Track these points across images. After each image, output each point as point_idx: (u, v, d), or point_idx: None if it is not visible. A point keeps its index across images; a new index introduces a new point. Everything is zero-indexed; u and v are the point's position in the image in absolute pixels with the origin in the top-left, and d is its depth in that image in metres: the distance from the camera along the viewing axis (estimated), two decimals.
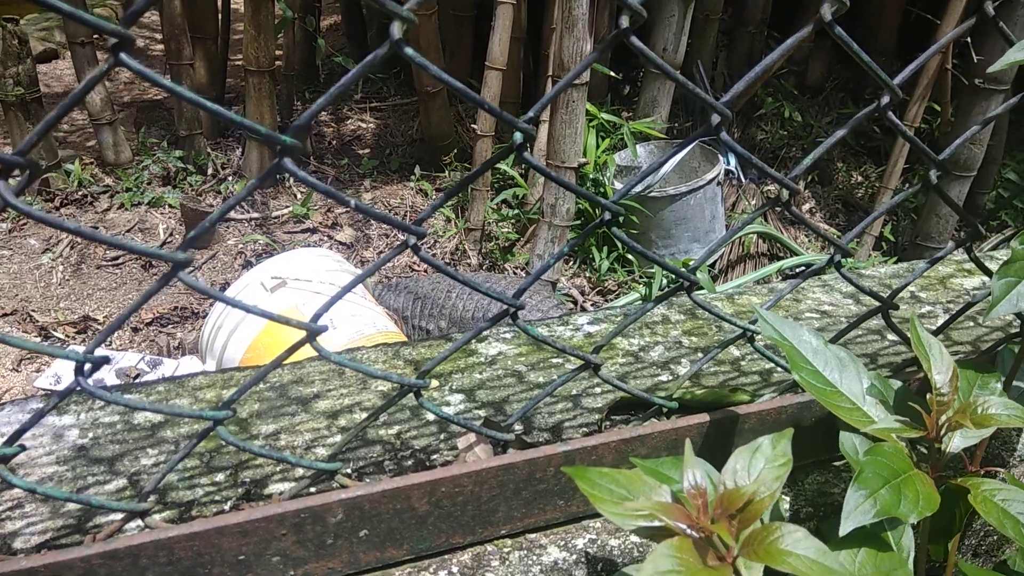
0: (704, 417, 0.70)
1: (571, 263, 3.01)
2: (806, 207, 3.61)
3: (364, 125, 4.06)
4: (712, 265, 3.12)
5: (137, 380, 2.33)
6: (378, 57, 0.51)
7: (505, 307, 0.60)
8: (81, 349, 0.54)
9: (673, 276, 2.95)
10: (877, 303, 0.80)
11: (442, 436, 0.77)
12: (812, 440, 0.74)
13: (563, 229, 2.50)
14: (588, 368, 0.69)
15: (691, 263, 2.75)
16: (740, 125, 3.81)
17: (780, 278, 3.16)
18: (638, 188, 3.21)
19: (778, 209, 3.60)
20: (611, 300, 2.93)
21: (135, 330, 2.59)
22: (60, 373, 2.36)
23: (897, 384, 0.71)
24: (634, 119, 3.36)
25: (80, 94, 0.46)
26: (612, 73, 3.25)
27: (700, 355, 0.90)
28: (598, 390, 0.84)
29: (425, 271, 2.99)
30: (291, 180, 3.46)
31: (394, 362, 0.88)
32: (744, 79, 0.65)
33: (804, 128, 3.87)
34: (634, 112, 3.51)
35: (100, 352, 0.56)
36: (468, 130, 3.76)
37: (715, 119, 0.58)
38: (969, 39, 3.00)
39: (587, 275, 3.04)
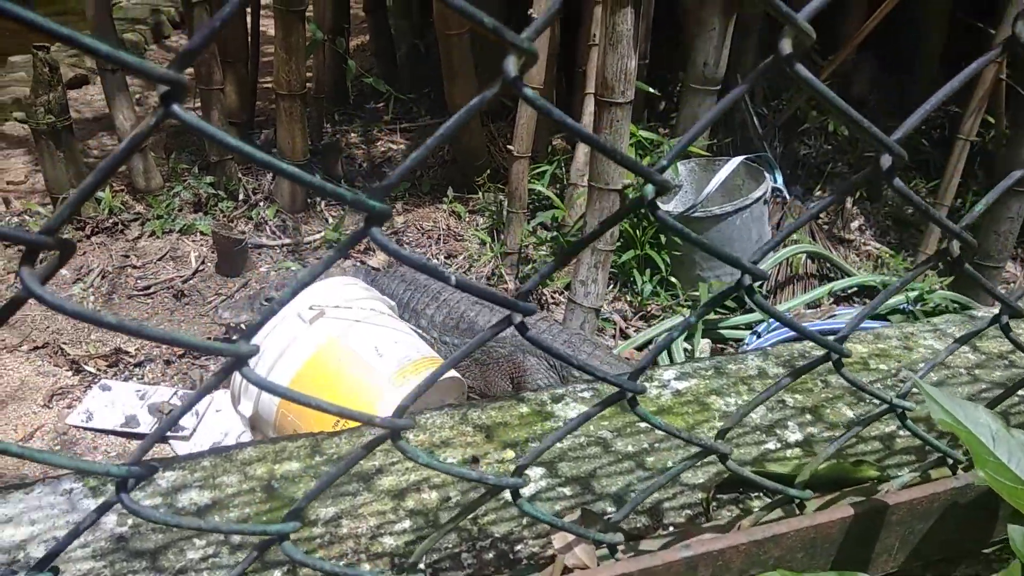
0: (847, 510, 0.59)
1: (612, 287, 2.91)
2: (855, 224, 3.47)
3: (394, 146, 4.00)
4: (760, 286, 2.99)
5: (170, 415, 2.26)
6: (485, 99, 0.42)
7: (620, 390, 0.51)
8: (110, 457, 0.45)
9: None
10: None
11: (524, 521, 0.68)
12: (967, 528, 0.63)
13: (606, 253, 2.40)
14: (708, 455, 0.58)
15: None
16: (783, 140, 3.69)
17: (832, 300, 3.03)
18: (680, 208, 3.11)
19: (825, 227, 3.47)
20: (655, 324, 2.81)
21: (167, 363, 2.53)
22: (92, 409, 2.30)
23: None
24: (672, 136, 3.26)
25: (121, 156, 0.38)
26: (651, 89, 3.16)
27: (809, 416, 0.79)
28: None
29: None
30: (323, 203, 3.41)
31: (463, 427, 0.78)
32: (917, 114, 0.56)
33: (849, 142, 3.74)
34: (672, 128, 3.40)
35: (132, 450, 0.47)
36: (501, 150, 3.68)
37: (886, 161, 0.48)
38: None
39: (628, 299, 2.93)
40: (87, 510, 0.69)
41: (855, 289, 3.11)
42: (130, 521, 0.68)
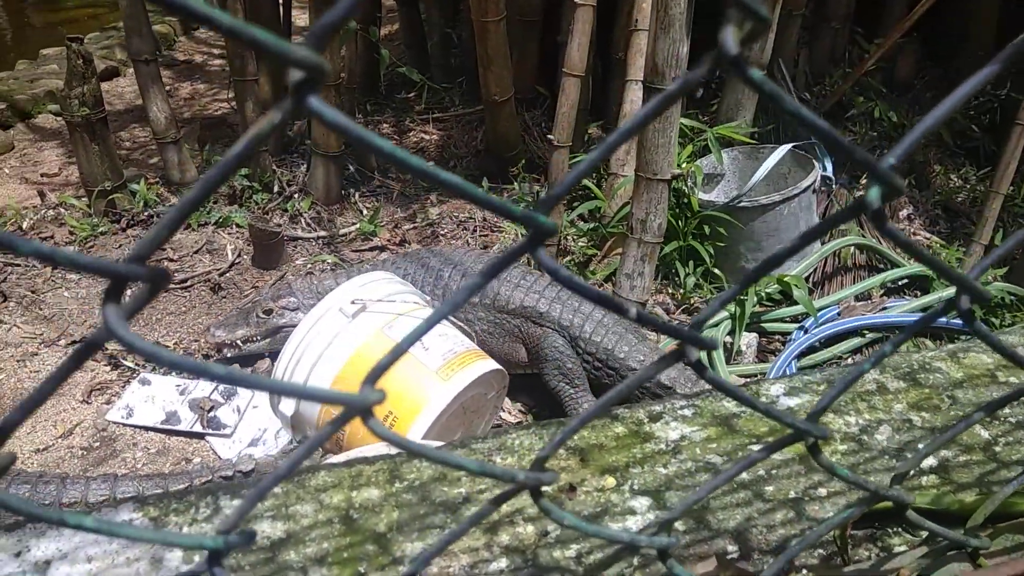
0: None
1: (657, 278, 2.82)
2: (903, 213, 3.35)
3: (427, 137, 3.94)
4: (807, 278, 2.89)
5: (211, 412, 2.22)
6: (690, 83, 0.35)
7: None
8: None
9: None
10: None
11: (635, 561, 0.61)
12: None
13: (653, 246, 2.32)
14: (878, 501, 0.51)
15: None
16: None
17: (882, 292, 2.92)
18: (723, 198, 3.01)
19: None
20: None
21: (206, 357, 2.50)
22: (131, 405, 2.27)
23: None
24: (714, 124, 3.15)
25: (234, 161, 0.31)
26: None
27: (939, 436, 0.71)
28: (822, 491, 0.66)
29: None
30: (356, 196, 3.35)
31: (556, 450, 0.71)
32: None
33: (895, 128, 3.60)
34: (714, 116, 3.30)
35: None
36: (536, 139, 3.60)
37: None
38: None
39: (670, 291, 2.85)
40: (107, 531, 0.64)
41: (905, 280, 3.00)
42: (196, 557, 0.62)
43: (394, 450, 1.67)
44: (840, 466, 0.48)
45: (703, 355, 2.48)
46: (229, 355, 2.42)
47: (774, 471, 0.68)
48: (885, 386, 0.78)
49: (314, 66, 0.29)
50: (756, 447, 0.71)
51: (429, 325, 0.37)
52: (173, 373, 2.45)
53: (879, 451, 0.70)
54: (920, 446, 0.71)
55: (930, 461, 0.67)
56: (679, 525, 0.63)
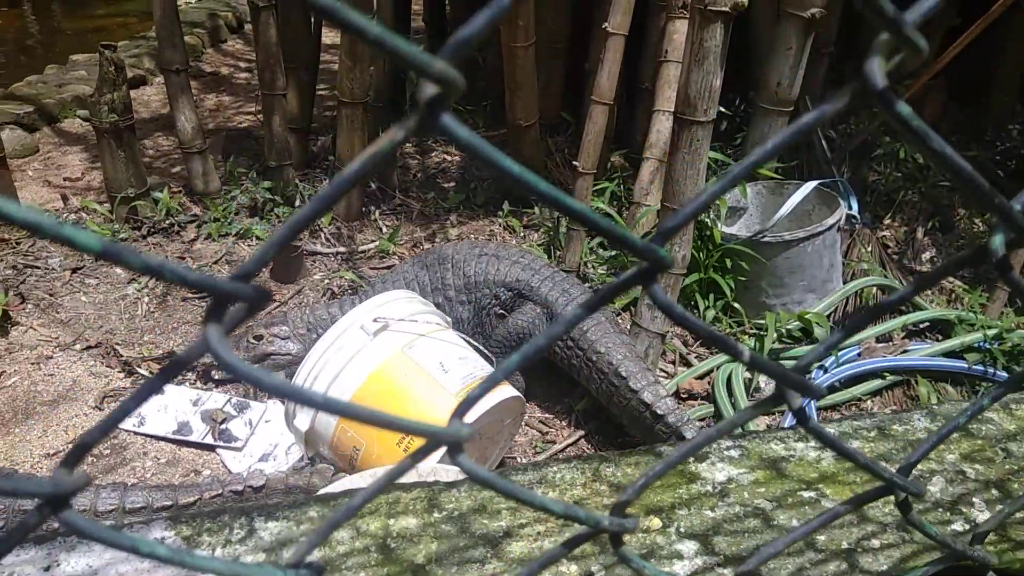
0: None
1: None
2: (926, 256, 3.32)
3: (448, 158, 3.95)
4: (827, 317, 2.86)
5: (223, 424, 2.21)
6: (826, 114, 0.34)
7: None
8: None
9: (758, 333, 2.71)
10: None
11: None
12: None
13: (677, 278, 2.30)
14: (958, 559, 0.48)
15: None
16: (851, 166, 3.56)
17: (904, 335, 2.88)
18: (745, 232, 2.99)
19: (895, 257, 3.32)
20: (716, 353, 2.70)
21: (219, 368, 2.48)
22: (144, 413, 2.26)
23: None
24: (739, 157, 3.15)
25: (352, 177, 0.30)
26: (722, 108, 3.05)
27: (995, 492, 0.69)
28: (875, 542, 0.64)
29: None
30: (376, 213, 3.36)
31: (596, 485, 0.69)
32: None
33: (920, 170, 3.59)
34: (739, 149, 3.29)
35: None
36: (558, 165, 3.61)
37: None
38: None
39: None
40: (180, 562, 0.62)
41: (927, 324, 2.96)
42: None
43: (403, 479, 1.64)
44: (929, 523, 0.45)
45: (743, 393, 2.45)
46: (216, 377, 2.42)
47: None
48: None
49: (451, 81, 0.27)
50: (807, 493, 0.68)
51: (526, 356, 0.35)
52: (187, 384, 2.44)
53: (932, 503, 0.68)
54: (975, 499, 0.69)
55: (985, 515, 0.64)
56: (727, 572, 0.61)
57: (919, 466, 0.72)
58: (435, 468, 1.74)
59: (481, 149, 0.30)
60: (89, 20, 7.78)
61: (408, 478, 1.70)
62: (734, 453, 0.73)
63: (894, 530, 0.65)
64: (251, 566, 0.35)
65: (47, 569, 0.58)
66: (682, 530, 0.65)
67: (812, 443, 0.74)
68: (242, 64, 5.84)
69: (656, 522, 0.65)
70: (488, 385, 0.35)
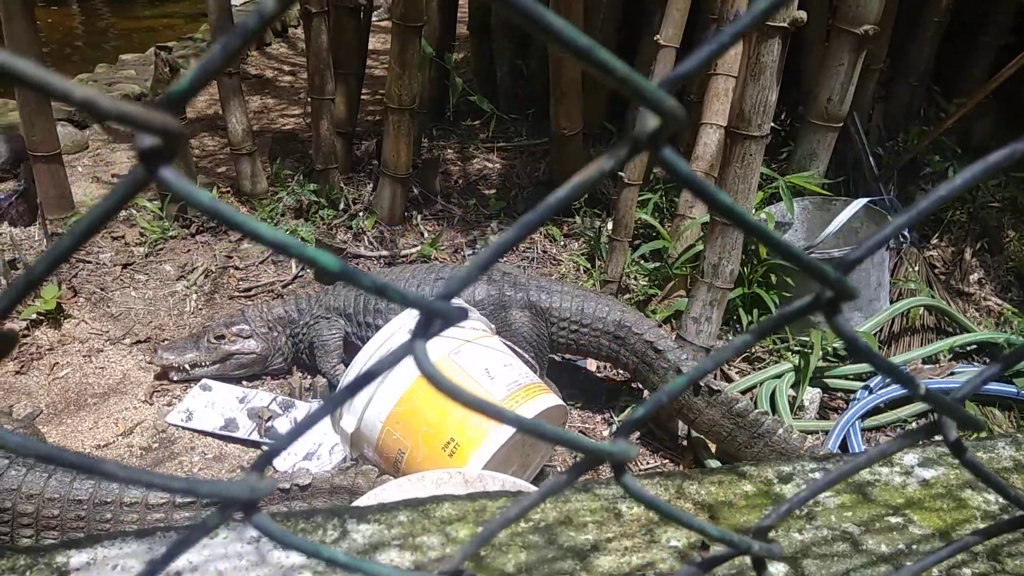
0: None
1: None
2: (974, 277, 3.26)
3: (490, 165, 3.97)
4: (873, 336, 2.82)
5: (269, 422, 2.24)
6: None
7: None
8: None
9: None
10: None
11: None
12: None
13: (724, 292, 2.29)
14: None
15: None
16: (899, 183, 3.51)
17: (950, 357, 2.83)
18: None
19: (942, 277, 3.27)
20: (760, 368, 2.67)
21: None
22: (192, 409, 2.30)
23: None
24: (785, 172, 3.12)
25: (556, 205, 0.31)
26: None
27: None
28: (967, 571, 0.63)
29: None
30: (419, 218, 3.38)
31: (680, 503, 0.69)
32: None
33: (970, 191, 3.53)
34: (786, 163, 3.27)
35: None
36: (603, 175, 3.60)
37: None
38: None
39: (730, 338, 2.80)
40: (277, 563, 0.63)
41: (975, 346, 2.91)
42: None
43: (415, 492, 1.64)
44: None
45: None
46: (175, 378, 2.41)
47: (915, 546, 0.65)
48: (1022, 463, 0.75)
49: (675, 116, 0.28)
50: (893, 518, 0.68)
51: (658, 402, 0.36)
52: (234, 381, 2.47)
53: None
54: None
55: None
56: None
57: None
58: (481, 475, 1.75)
59: (700, 185, 0.31)
60: (136, 21, 7.95)
61: (454, 488, 1.71)
62: (818, 476, 0.73)
63: (984, 559, 0.65)
64: (416, 574, 0.36)
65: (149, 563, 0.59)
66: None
67: (896, 468, 0.74)
68: (286, 67, 5.92)
69: None
70: (652, 405, 0.36)
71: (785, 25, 1.93)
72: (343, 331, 2.41)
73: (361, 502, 1.63)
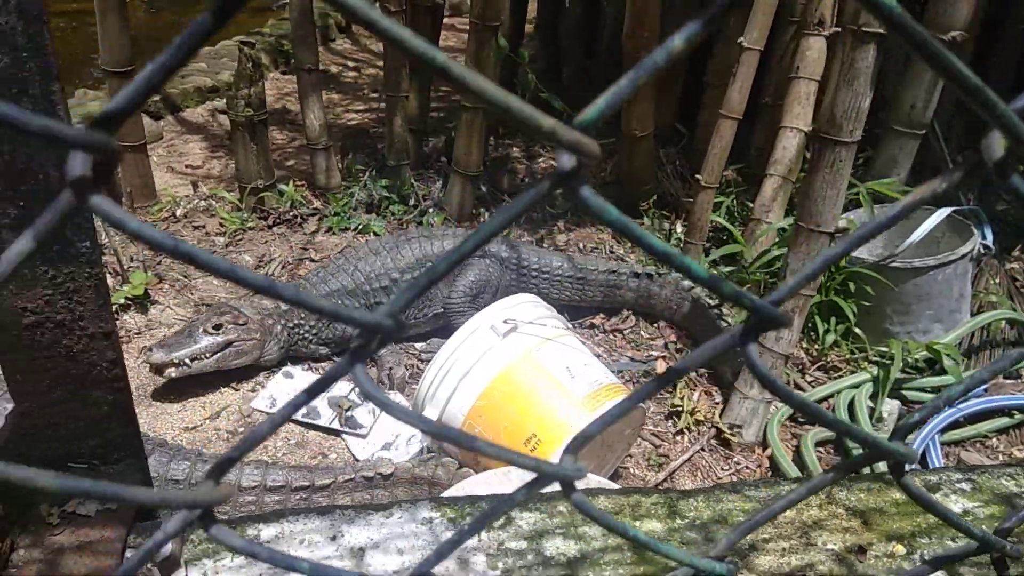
0: None
1: None
2: None
3: (555, 163, 3.98)
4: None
5: (349, 412, 2.30)
6: None
7: None
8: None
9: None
10: None
11: None
12: None
13: (806, 299, 2.27)
14: None
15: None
16: (976, 189, 3.42)
17: None
18: (866, 255, 2.91)
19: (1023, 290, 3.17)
20: (836, 377, 2.64)
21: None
22: (275, 395, 2.37)
23: None
24: (864, 178, 3.07)
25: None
26: None
27: None
28: None
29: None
30: (486, 215, 3.41)
31: (832, 508, 0.70)
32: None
33: None
34: (864, 170, 3.21)
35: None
36: (668, 176, 3.59)
37: None
38: None
39: (804, 346, 2.77)
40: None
41: None
42: (500, 564, 0.63)
43: (502, 487, 1.66)
44: None
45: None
46: (174, 375, 2.32)
47: None
48: None
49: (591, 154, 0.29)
50: None
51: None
52: (313, 370, 2.54)
53: None
54: None
55: None
56: None
57: None
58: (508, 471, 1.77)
59: (627, 227, 0.32)
60: (199, 15, 8.18)
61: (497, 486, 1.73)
62: (966, 487, 0.73)
63: None
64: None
65: (333, 539, 0.63)
66: (926, 558, 0.65)
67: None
68: (350, 63, 6.03)
69: (900, 548, 0.66)
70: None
71: (881, 30, 1.91)
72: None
73: (448, 494, 1.67)
